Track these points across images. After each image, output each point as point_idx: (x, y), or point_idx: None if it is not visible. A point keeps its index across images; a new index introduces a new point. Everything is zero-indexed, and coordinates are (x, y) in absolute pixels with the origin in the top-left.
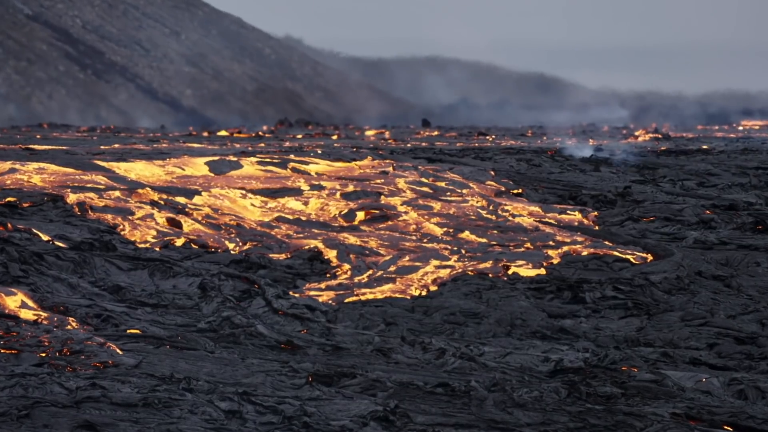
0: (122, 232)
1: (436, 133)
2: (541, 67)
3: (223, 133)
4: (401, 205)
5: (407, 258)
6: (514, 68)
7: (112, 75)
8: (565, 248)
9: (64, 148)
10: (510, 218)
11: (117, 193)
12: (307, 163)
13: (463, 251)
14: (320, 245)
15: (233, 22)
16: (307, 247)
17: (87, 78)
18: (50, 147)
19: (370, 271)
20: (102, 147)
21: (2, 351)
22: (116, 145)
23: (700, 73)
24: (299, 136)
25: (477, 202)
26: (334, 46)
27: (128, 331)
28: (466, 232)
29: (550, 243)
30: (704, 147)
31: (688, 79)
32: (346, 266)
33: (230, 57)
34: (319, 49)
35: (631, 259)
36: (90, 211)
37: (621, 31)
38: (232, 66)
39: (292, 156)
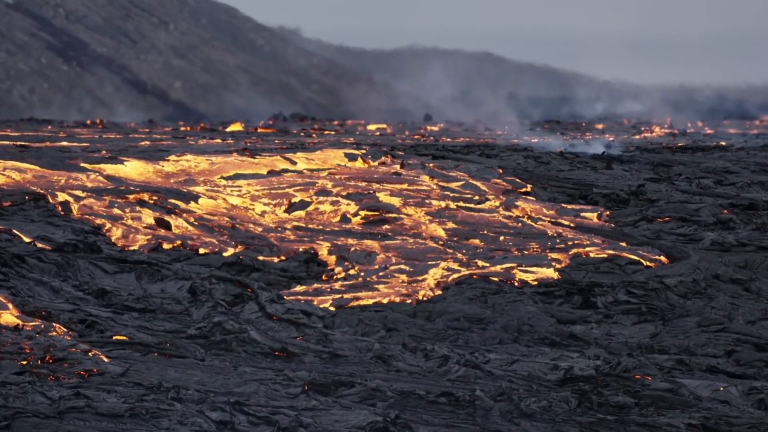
0: (108, 233)
1: (437, 127)
2: (550, 59)
3: (236, 127)
4: (403, 205)
5: (409, 261)
6: (521, 59)
7: (97, 67)
8: (576, 250)
9: (59, 144)
10: (519, 219)
11: (104, 193)
12: (307, 162)
13: (467, 254)
14: (316, 247)
15: (225, 11)
16: (302, 249)
17: (71, 70)
18: (43, 144)
19: (370, 274)
20: (97, 144)
21: None
22: (106, 146)
23: (715, 65)
24: (328, 131)
25: (484, 202)
26: (332, 37)
27: (114, 337)
28: (472, 234)
29: (560, 245)
30: (722, 143)
31: (704, 71)
32: (345, 269)
33: (222, 48)
34: (316, 40)
35: (645, 262)
36: (74, 211)
37: (633, 21)
38: (223, 57)
39: (298, 154)
